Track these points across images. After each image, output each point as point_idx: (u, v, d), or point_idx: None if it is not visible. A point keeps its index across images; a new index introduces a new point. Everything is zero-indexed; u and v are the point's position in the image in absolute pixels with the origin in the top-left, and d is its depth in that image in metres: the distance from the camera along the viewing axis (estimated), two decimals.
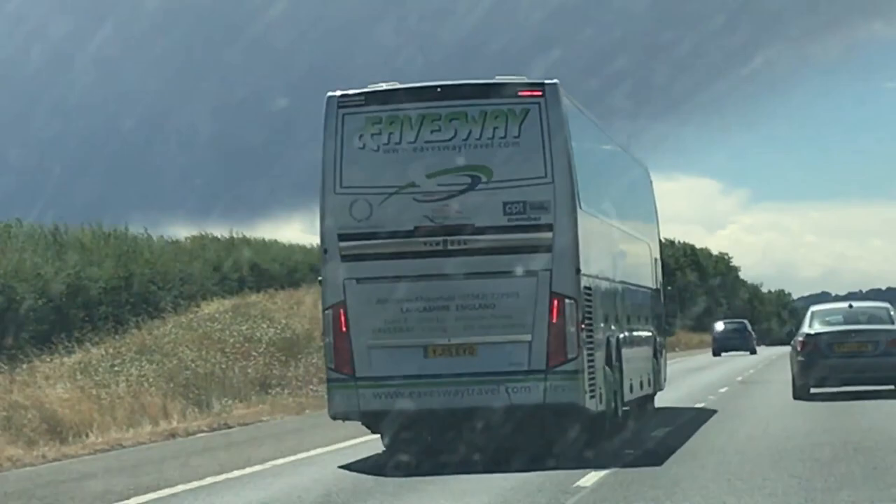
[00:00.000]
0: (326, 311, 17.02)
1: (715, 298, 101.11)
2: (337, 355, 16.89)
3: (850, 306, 29.08)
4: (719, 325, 69.86)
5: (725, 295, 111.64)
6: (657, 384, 24.88)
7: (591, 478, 14.50)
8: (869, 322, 27.28)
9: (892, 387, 26.32)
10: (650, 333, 24.36)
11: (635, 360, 21.62)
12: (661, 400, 25.58)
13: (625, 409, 20.67)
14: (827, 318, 27.67)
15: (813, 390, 26.33)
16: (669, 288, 27.56)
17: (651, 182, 27.18)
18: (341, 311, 16.86)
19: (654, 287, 25.32)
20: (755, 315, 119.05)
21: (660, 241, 28.45)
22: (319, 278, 17.29)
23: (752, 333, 69.39)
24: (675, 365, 37.67)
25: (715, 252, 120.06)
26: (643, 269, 24.38)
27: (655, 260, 26.02)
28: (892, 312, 27.67)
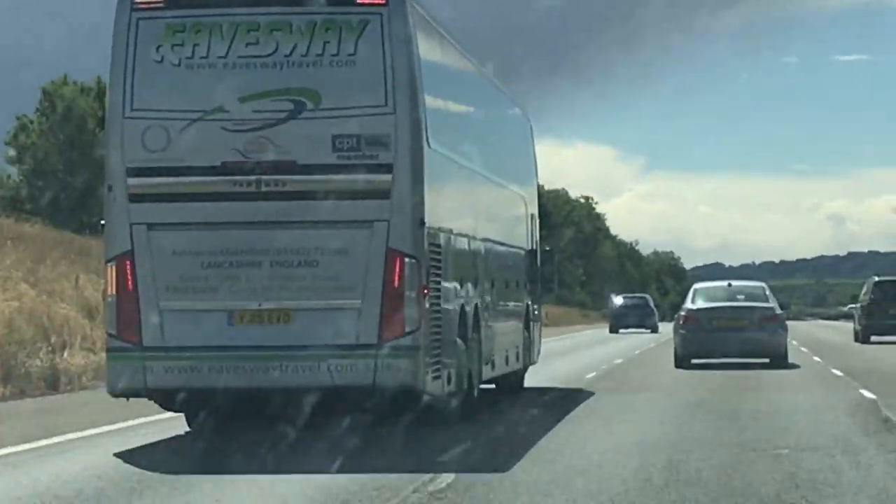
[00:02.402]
0: (109, 264, 13.72)
1: (568, 256, 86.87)
2: (120, 319, 13.61)
3: (730, 285, 30.98)
4: (618, 299, 65.49)
5: (585, 252, 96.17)
6: (528, 358, 21.70)
7: (422, 482, 11.30)
8: (746, 300, 29.26)
9: (766, 360, 27.93)
10: (521, 300, 21.18)
11: (500, 332, 18.49)
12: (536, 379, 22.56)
13: (486, 385, 17.58)
14: (708, 295, 29.65)
15: (693, 361, 28.14)
16: (548, 248, 24.41)
17: (531, 129, 23.93)
18: (127, 263, 13.57)
19: (529, 248, 22.12)
20: (629, 280, 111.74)
21: (540, 195, 25.31)
22: (102, 222, 13.96)
23: (655, 309, 64.44)
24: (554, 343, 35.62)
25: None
26: (515, 225, 21.20)
27: (532, 216, 22.76)
28: (767, 291, 29.80)
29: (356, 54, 13.49)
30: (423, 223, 13.57)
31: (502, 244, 19.41)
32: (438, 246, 14.33)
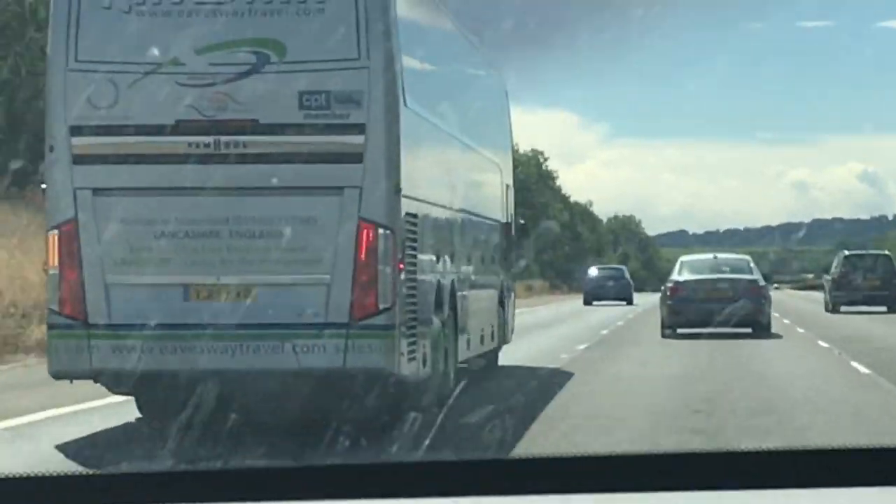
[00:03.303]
0: (51, 232, 12.34)
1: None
2: (63, 293, 12.25)
3: (715, 257, 32.09)
4: (593, 271, 64.01)
5: (533, 215, 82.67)
6: (503, 337, 20.51)
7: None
8: (731, 272, 30.29)
9: (749, 329, 28.78)
10: (496, 276, 19.96)
11: (476, 310, 17.26)
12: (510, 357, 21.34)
13: (461, 366, 16.34)
14: (694, 267, 30.76)
15: (679, 330, 29.12)
16: (522, 222, 23.27)
17: (506, 93, 22.68)
18: (71, 232, 12.21)
19: (504, 220, 20.88)
20: (578, 246, 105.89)
21: (514, 164, 24.07)
22: (43, 186, 12.60)
23: (630, 282, 62.90)
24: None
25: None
26: (491, 196, 19.96)
27: (507, 187, 21.55)
28: (751, 264, 31.13)
29: (326, 2, 12.14)
30: (398, 190, 12.26)
31: (478, 216, 18.16)
32: (414, 216, 13.03)
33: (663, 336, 28.99)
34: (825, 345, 26.04)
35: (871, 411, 14.96)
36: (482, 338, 17.92)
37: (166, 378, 12.46)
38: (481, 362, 18.55)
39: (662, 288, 31.69)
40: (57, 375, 12.53)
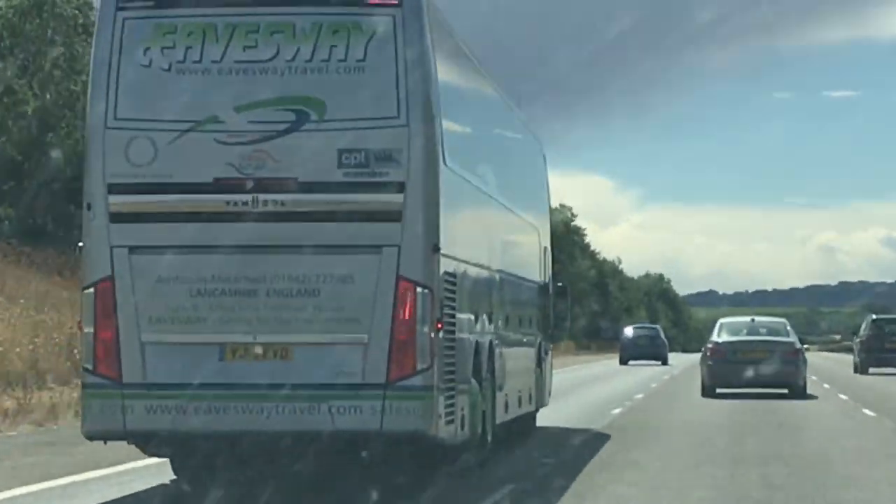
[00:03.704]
0: (87, 291, 12.24)
1: None
2: (98, 352, 12.12)
3: (753, 320, 33.66)
4: (629, 331, 65.00)
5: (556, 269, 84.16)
6: (540, 400, 20.43)
7: None
8: (768, 334, 31.96)
9: (785, 390, 30.65)
10: (534, 336, 19.88)
11: (514, 371, 17.13)
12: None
13: (496, 430, 16.14)
14: (733, 329, 32.39)
15: (718, 390, 30.56)
16: (560, 284, 23.20)
17: (544, 158, 22.67)
18: (107, 290, 12.11)
19: (542, 281, 20.87)
20: (608, 302, 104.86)
21: (551, 228, 23.96)
22: (80, 244, 12.52)
23: (665, 341, 64.39)
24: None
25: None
26: (528, 257, 19.86)
27: (545, 249, 21.63)
28: (788, 327, 32.77)
29: (366, 60, 12.07)
30: (437, 249, 12.11)
31: (516, 276, 18.03)
32: (453, 275, 12.90)
33: (703, 395, 30.30)
34: (870, 413, 25.73)
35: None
36: (520, 400, 17.79)
37: (200, 440, 12.32)
38: (518, 423, 18.35)
39: (703, 349, 33.14)
40: (90, 436, 12.38)
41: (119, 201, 12.13)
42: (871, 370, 45.86)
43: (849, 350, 57.54)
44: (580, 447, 18.27)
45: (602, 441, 18.99)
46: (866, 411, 25.66)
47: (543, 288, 20.84)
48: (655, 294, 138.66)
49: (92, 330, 12.13)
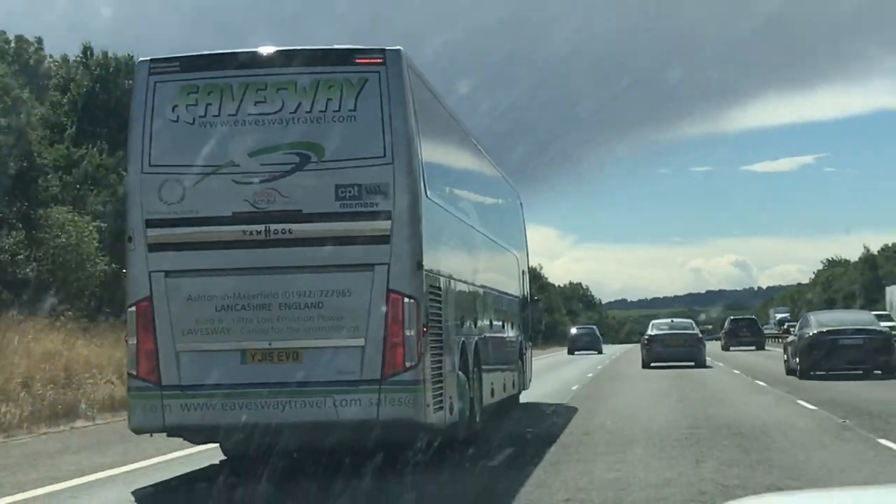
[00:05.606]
0: (130, 309, 14.69)
1: None
2: (140, 360, 14.54)
3: (672, 320, 53.36)
4: (574, 330, 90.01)
5: None
6: (522, 384, 25.30)
7: None
8: (681, 328, 50.47)
9: (692, 363, 47.76)
10: (515, 337, 24.04)
11: (498, 364, 20.72)
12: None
13: (487, 408, 19.45)
14: (659, 326, 50.56)
15: (652, 364, 48.49)
16: (536, 297, 28.38)
17: (521, 204, 26.65)
18: (147, 308, 14.55)
19: (521, 295, 25.40)
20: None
21: (528, 259, 27.50)
22: (124, 271, 14.94)
23: (600, 336, 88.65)
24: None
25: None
26: (508, 276, 23.23)
27: (523, 272, 25.94)
28: (693, 324, 52.75)
29: (356, 110, 14.47)
30: (420, 266, 14.47)
31: (497, 290, 20.80)
32: (438, 288, 15.29)
33: (643, 367, 47.89)
34: (736, 371, 43.89)
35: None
36: (504, 386, 21.35)
37: (228, 431, 14.70)
38: (505, 403, 22.28)
39: (641, 339, 51.08)
40: (136, 430, 14.77)
41: (155, 234, 14.55)
42: (732, 349, 75.39)
43: (718, 339, 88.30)
44: (554, 415, 23.57)
45: (571, 411, 24.33)
46: (735, 371, 43.54)
47: (523, 300, 25.21)
48: (576, 299, 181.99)
49: (135, 341, 14.53)
